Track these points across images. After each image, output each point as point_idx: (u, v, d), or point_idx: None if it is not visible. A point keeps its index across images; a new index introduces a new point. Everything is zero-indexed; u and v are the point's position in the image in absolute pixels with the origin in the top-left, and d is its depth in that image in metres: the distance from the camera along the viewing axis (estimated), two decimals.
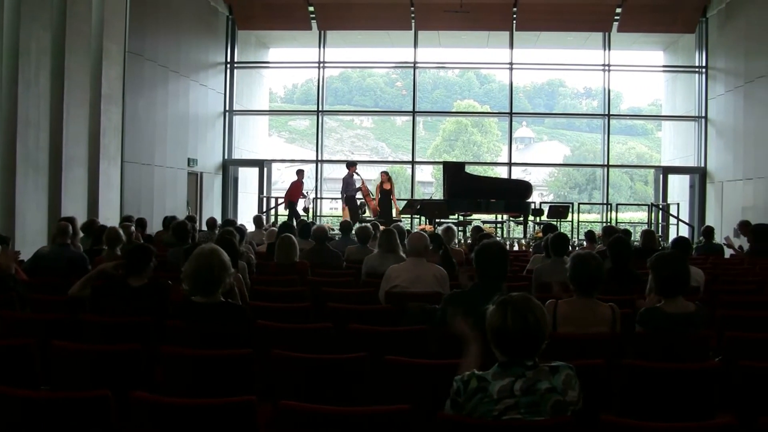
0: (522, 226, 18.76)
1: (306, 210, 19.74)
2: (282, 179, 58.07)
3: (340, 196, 19.55)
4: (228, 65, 22.28)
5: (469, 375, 3.10)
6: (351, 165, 19.09)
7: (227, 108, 22.21)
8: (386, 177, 18.63)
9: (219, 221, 14.05)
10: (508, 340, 3.07)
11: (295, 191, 19.20)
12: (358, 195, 19.01)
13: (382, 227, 10.52)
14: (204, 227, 13.97)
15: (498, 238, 16.22)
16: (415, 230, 13.68)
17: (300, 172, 19.32)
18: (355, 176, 18.87)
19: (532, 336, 3.06)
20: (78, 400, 3.37)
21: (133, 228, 9.98)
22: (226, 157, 22.10)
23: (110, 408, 3.30)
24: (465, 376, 3.10)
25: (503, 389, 3.01)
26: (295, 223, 13.73)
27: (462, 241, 15.14)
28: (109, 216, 14.10)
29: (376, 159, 67.44)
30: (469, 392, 3.05)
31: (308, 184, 21.37)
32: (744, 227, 12.67)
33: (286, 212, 19.31)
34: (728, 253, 12.71)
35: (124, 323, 5.04)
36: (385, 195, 18.30)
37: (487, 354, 3.32)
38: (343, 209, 19.06)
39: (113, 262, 6.15)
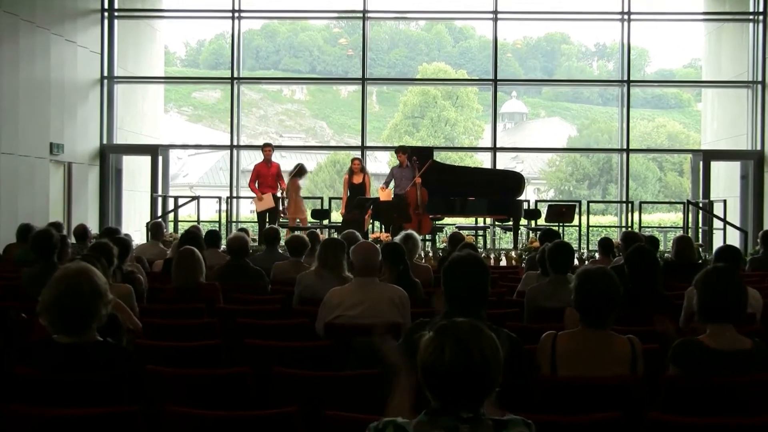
0: (512, 232, 18.86)
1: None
2: (184, 172, 57.64)
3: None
4: (106, 14, 22.03)
5: (385, 423, 3.11)
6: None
7: (106, 73, 21.96)
8: (358, 167, 17.84)
9: (95, 230, 13.89)
10: (444, 381, 3.02)
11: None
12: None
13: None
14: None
15: (480, 249, 16.28)
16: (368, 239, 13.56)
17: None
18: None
19: (477, 378, 3.00)
20: None
21: None
22: (104, 141, 21.84)
23: None
24: (380, 425, 3.11)
25: None
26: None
27: (430, 254, 15.16)
28: None
29: (314, 143, 67.46)
30: None
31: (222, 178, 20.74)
32: None
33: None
34: None
35: None
36: (357, 192, 17.56)
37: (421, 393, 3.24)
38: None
39: None
